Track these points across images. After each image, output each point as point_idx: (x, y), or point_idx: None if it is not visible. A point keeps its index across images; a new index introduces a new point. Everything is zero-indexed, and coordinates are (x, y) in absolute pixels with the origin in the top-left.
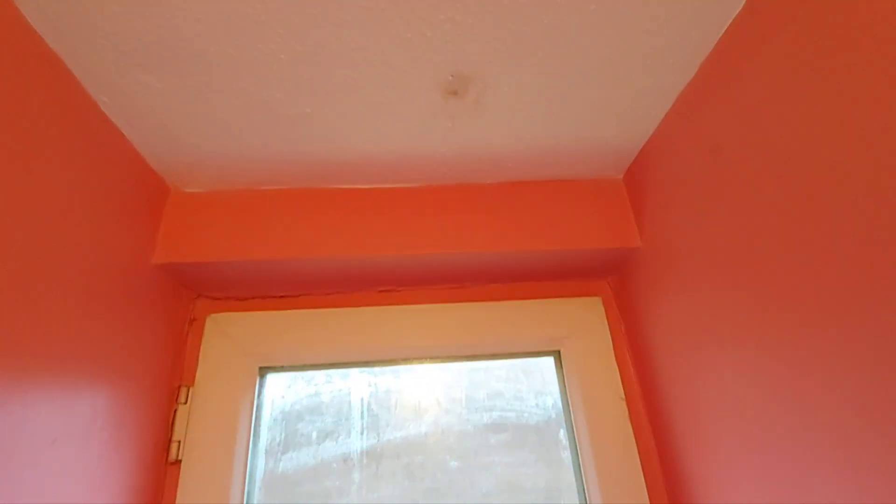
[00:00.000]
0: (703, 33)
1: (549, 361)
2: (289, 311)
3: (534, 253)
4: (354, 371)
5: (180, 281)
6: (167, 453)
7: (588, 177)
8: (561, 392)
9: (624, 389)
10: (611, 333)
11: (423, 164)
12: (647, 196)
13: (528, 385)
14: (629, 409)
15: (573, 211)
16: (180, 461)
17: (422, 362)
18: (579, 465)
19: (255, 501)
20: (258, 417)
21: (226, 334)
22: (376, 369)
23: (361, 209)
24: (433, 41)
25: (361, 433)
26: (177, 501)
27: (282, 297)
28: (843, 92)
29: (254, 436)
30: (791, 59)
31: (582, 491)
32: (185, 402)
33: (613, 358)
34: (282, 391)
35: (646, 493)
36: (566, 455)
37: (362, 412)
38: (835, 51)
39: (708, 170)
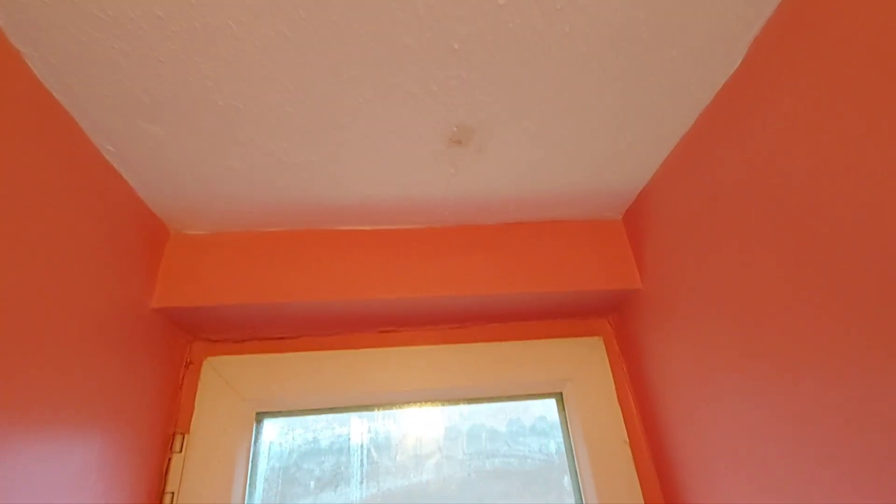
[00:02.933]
0: (701, 88)
1: (552, 403)
2: (287, 354)
3: (534, 295)
4: (354, 415)
5: (178, 324)
6: None
7: (587, 217)
8: (564, 436)
9: (627, 432)
10: (613, 374)
11: (426, 207)
12: (646, 238)
13: (531, 429)
14: (633, 453)
15: (573, 252)
16: None
17: (422, 405)
18: None
19: None
20: (254, 466)
21: (223, 378)
22: (376, 413)
23: (363, 251)
24: (439, 96)
25: (361, 482)
26: None
27: (280, 338)
28: (839, 148)
29: (250, 486)
30: (788, 115)
31: None
32: (180, 451)
33: (616, 399)
34: (279, 437)
35: None
36: (571, 502)
37: (362, 460)
38: (832, 109)
39: (707, 216)
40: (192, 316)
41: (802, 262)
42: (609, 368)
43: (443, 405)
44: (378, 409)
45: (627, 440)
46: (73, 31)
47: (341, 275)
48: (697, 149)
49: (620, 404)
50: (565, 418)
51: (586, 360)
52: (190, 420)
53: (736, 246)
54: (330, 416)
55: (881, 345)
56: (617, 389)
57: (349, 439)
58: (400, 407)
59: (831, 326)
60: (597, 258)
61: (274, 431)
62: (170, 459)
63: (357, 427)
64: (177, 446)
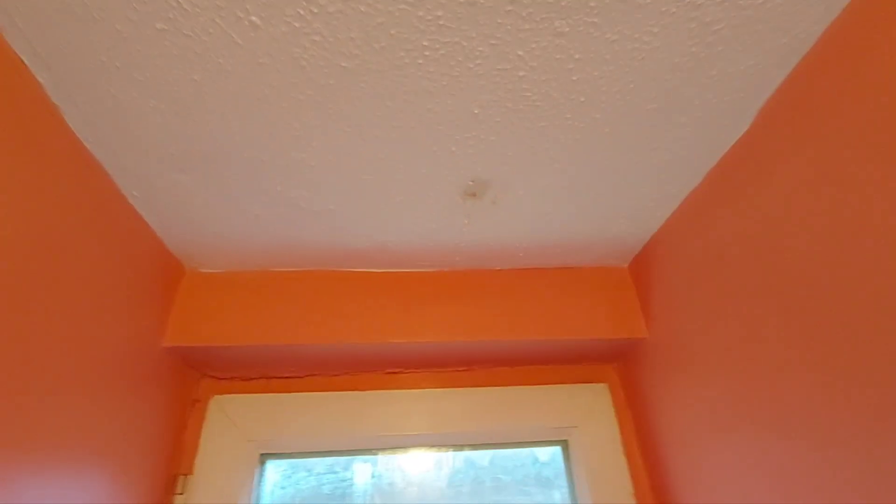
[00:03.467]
0: (708, 151)
1: (557, 451)
2: (294, 394)
3: (541, 342)
4: (358, 459)
5: (187, 362)
6: None
7: (595, 264)
8: (569, 485)
9: (633, 483)
10: (618, 422)
11: (438, 252)
12: (653, 287)
13: (536, 477)
14: None
15: (580, 299)
16: None
17: (427, 450)
18: None
19: None
20: None
21: (228, 417)
22: (380, 457)
23: (373, 293)
24: (457, 154)
25: None
26: None
27: (287, 377)
28: (846, 216)
29: None
30: (791, 183)
31: None
32: (182, 493)
33: (622, 449)
34: (282, 480)
35: None
36: None
37: None
38: (834, 180)
39: (713, 272)
40: (203, 354)
41: (804, 327)
42: (614, 416)
43: (448, 450)
44: (382, 454)
45: (633, 492)
46: (112, 90)
47: (351, 317)
48: (703, 207)
49: (626, 454)
50: (570, 467)
51: (592, 407)
52: (193, 460)
53: (740, 305)
54: (332, 460)
55: (884, 412)
56: (623, 438)
57: (352, 484)
58: (404, 451)
59: (832, 391)
60: (603, 306)
61: (277, 474)
62: (171, 502)
63: (361, 472)
64: (179, 488)
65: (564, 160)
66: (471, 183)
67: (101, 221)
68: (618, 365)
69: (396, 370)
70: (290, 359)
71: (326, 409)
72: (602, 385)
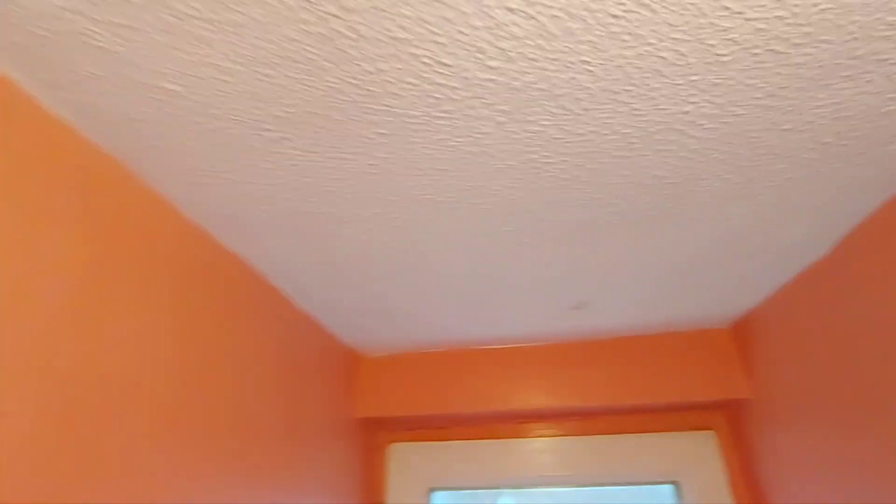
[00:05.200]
0: (831, 229)
1: (669, 489)
2: (449, 442)
3: (647, 405)
4: (504, 492)
5: (371, 422)
6: None
7: (696, 328)
8: None
9: None
10: (726, 467)
11: (548, 336)
12: (756, 350)
13: None
14: None
15: (683, 362)
16: None
17: (556, 486)
18: None
19: None
20: None
21: (403, 460)
22: (520, 491)
23: (501, 364)
24: (561, 279)
25: None
26: None
27: (443, 428)
28: None
29: None
30: None
31: None
32: None
33: (730, 496)
34: None
35: None
36: None
37: None
38: None
39: (822, 339)
40: (381, 418)
41: None
42: (722, 463)
43: (571, 487)
44: (520, 489)
45: None
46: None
47: (485, 384)
48: (816, 281)
49: (733, 497)
50: None
51: (700, 454)
52: (382, 492)
53: (849, 375)
54: (483, 492)
55: None
56: (730, 482)
57: None
58: (536, 487)
59: None
60: (705, 368)
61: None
62: None
63: (504, 502)
64: None
65: (658, 280)
66: (574, 303)
67: (297, 333)
68: (724, 412)
69: (525, 421)
70: (443, 417)
71: (475, 452)
72: (710, 432)
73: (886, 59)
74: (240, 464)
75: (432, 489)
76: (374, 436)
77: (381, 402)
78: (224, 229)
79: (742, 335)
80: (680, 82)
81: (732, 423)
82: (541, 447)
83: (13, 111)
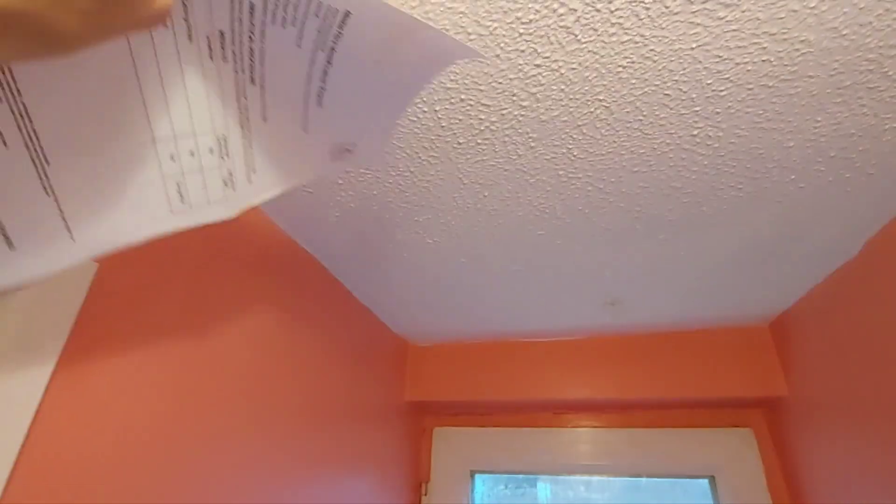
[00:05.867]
0: (867, 223)
1: (705, 483)
2: (490, 428)
3: (685, 400)
4: (541, 478)
5: (419, 406)
6: None
7: (735, 325)
8: None
9: None
10: (763, 465)
11: (586, 330)
12: (793, 349)
13: None
14: None
15: (721, 358)
16: None
17: (592, 475)
18: None
19: None
20: None
21: (447, 443)
22: (558, 478)
23: (541, 356)
24: (592, 278)
25: None
26: None
27: (484, 414)
28: None
29: None
30: None
31: None
32: (426, 494)
33: (767, 491)
34: (486, 490)
35: None
36: None
37: None
38: None
39: (860, 336)
40: (428, 402)
41: None
42: (759, 459)
43: (609, 476)
44: (558, 475)
45: None
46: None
47: (526, 374)
48: (851, 279)
49: (770, 492)
50: (717, 499)
51: (737, 449)
52: (429, 472)
53: (881, 376)
54: (522, 477)
55: None
56: (768, 480)
57: (536, 498)
58: (574, 475)
59: None
60: (744, 365)
61: (483, 485)
62: (420, 500)
63: (542, 488)
64: (424, 490)
65: (691, 280)
66: (609, 299)
67: (357, 324)
68: (762, 410)
69: (563, 411)
70: (485, 404)
71: (515, 438)
72: (747, 430)
73: (875, 87)
74: (312, 445)
75: (474, 471)
76: (421, 419)
77: (428, 388)
78: (299, 230)
79: (780, 333)
80: (684, 112)
81: (770, 420)
82: (579, 437)
83: None
